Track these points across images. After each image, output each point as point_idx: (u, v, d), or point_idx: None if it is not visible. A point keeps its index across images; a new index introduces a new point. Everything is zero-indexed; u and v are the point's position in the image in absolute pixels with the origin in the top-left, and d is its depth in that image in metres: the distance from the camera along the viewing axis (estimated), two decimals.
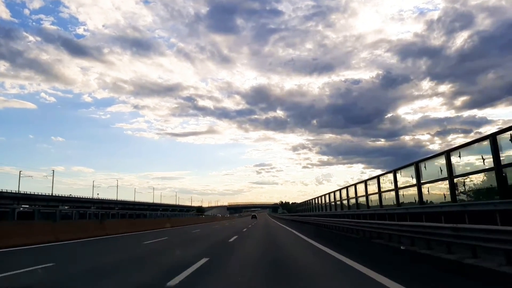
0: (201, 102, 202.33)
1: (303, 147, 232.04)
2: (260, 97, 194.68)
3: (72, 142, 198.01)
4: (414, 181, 12.66)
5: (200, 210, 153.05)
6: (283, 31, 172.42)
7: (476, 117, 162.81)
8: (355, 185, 20.63)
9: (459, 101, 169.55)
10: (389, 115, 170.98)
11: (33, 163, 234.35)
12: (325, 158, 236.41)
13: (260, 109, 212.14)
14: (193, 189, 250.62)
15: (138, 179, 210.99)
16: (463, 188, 10.09)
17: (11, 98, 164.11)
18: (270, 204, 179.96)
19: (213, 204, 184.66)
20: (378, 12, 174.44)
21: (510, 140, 7.97)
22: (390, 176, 15.07)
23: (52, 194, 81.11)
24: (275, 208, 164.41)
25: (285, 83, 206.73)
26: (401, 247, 9.88)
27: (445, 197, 10.77)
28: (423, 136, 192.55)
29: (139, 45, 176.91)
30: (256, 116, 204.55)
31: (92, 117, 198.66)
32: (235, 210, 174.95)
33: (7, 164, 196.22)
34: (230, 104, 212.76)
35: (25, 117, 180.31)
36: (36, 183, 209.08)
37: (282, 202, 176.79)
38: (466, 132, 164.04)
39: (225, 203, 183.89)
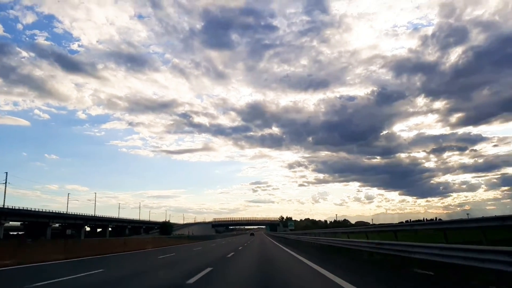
0: (196, 119, 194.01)
1: (299, 164, 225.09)
2: (255, 114, 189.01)
3: (66, 160, 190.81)
4: None
5: (165, 227, 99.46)
6: (278, 46, 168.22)
7: (471, 134, 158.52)
8: None
9: (454, 117, 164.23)
10: (384, 132, 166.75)
11: (27, 181, 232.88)
12: (321, 176, 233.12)
13: (255, 126, 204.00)
14: (188, 207, 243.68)
15: (133, 198, 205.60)
16: None
17: (4, 115, 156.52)
18: (267, 221, 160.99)
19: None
20: (372, 28, 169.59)
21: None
22: None
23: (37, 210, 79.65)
24: (274, 226, 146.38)
25: (281, 100, 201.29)
26: None
27: None
28: (419, 154, 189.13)
29: (134, 60, 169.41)
30: (251, 133, 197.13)
31: (87, 134, 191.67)
32: (225, 227, 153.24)
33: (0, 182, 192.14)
34: (225, 120, 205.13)
35: (19, 134, 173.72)
36: (30, 201, 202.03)
37: (283, 218, 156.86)
38: (461, 149, 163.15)
39: (210, 219, 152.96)
